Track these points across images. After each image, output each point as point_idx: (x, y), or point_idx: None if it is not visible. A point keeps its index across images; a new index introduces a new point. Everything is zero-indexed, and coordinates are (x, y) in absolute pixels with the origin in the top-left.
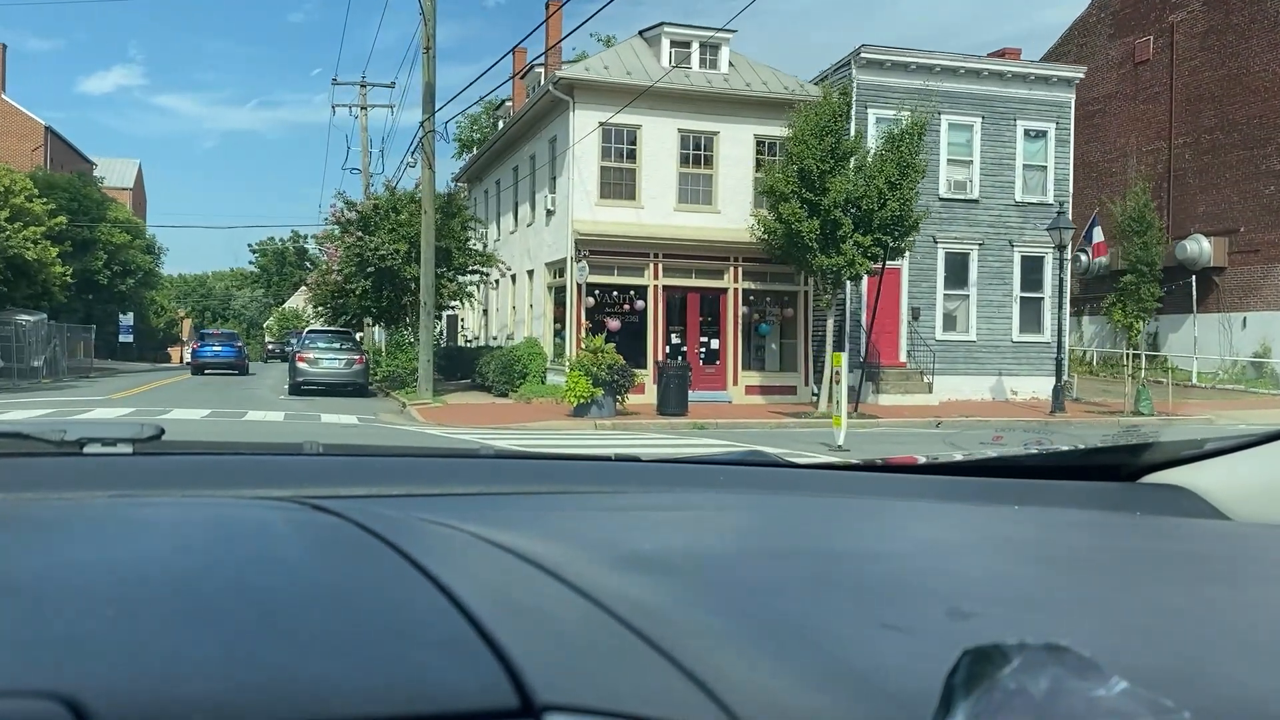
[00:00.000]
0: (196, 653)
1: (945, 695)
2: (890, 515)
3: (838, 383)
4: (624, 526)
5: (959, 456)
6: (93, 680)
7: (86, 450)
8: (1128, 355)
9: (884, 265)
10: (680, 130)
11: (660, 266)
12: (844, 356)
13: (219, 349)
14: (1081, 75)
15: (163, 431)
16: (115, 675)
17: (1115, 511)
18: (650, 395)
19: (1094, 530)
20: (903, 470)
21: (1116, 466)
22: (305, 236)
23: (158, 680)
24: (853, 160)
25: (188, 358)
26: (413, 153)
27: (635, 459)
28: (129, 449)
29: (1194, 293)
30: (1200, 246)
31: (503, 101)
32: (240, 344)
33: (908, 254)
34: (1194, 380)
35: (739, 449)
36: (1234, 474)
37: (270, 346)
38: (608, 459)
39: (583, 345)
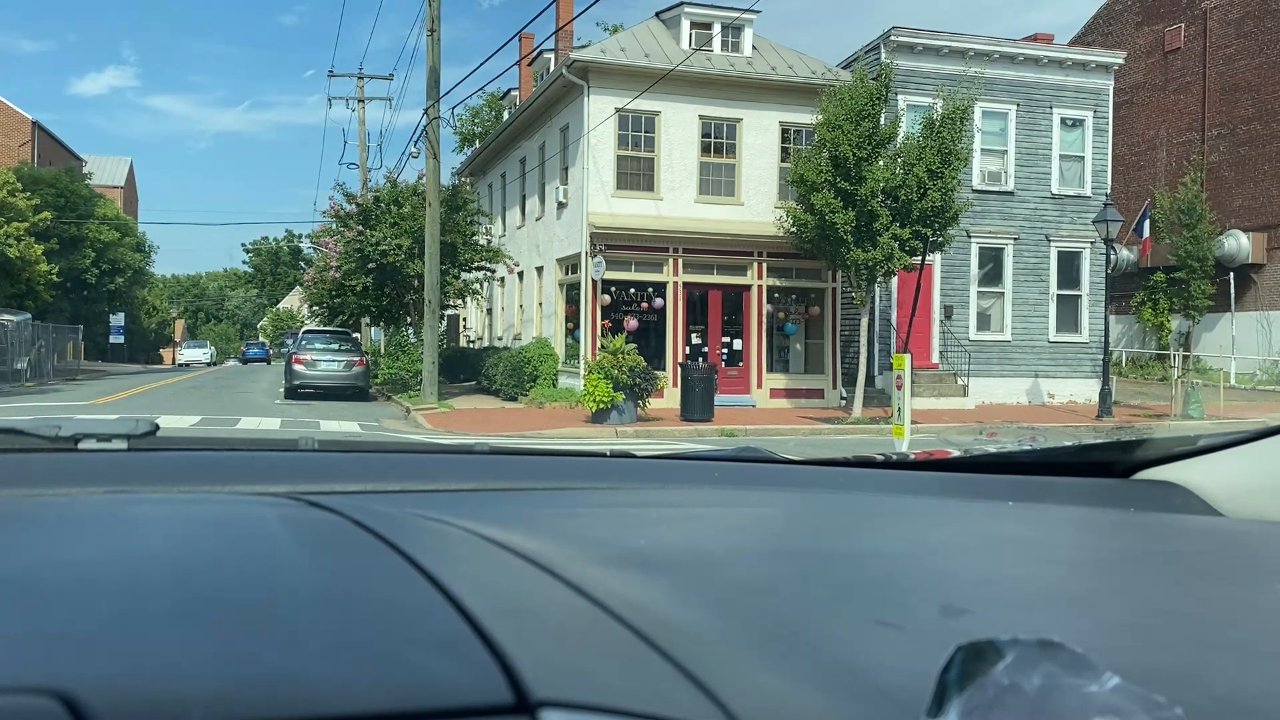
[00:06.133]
0: (193, 649)
1: (939, 691)
2: (884, 511)
3: (899, 388)
4: (619, 523)
5: (955, 453)
6: (89, 676)
7: (81, 446)
8: (1171, 355)
9: (923, 260)
10: (701, 117)
11: (680, 262)
12: (907, 359)
13: (256, 350)
14: (1120, 61)
15: (157, 427)
16: (111, 671)
17: (1109, 508)
18: (671, 399)
19: (1088, 526)
20: (897, 467)
21: (1110, 463)
22: (300, 236)
23: (154, 677)
24: (890, 147)
25: (180, 359)
26: (415, 142)
27: (631, 455)
28: (124, 445)
29: (1232, 290)
30: (1238, 243)
31: (508, 91)
32: (268, 347)
33: (939, 249)
34: (1231, 381)
35: (734, 445)
36: (1227, 470)
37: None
38: (603, 455)
39: (601, 346)
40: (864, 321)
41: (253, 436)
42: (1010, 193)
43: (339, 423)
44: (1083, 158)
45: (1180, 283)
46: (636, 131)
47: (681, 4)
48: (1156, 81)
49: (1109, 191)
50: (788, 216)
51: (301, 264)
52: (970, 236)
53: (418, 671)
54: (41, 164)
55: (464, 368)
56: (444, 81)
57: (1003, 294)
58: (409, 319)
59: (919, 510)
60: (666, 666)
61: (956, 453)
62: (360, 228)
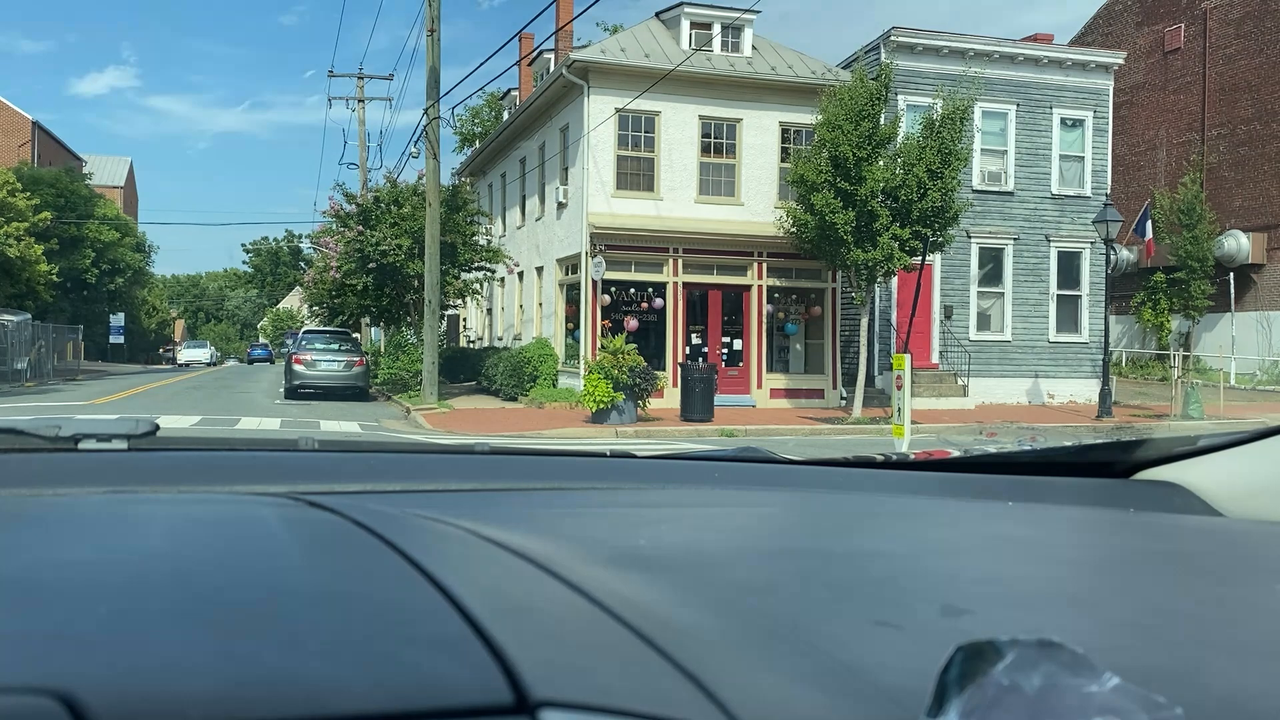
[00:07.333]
0: (192, 649)
1: (939, 691)
2: (884, 511)
3: (899, 388)
4: (619, 523)
5: (955, 453)
6: (88, 676)
7: (81, 446)
8: (1171, 356)
9: (923, 260)
10: (701, 117)
11: (680, 262)
12: (906, 359)
13: (260, 351)
14: (1120, 61)
15: (157, 428)
16: (111, 671)
17: (1109, 508)
18: (671, 399)
19: (1088, 526)
20: (897, 467)
21: (1110, 463)
22: (300, 236)
23: (154, 677)
24: (890, 147)
25: (180, 359)
26: (415, 142)
27: (631, 455)
28: (124, 445)
29: (1232, 290)
30: (1238, 243)
31: (508, 91)
32: (270, 348)
33: (939, 249)
34: (1231, 381)
35: (734, 445)
36: (1227, 471)
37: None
38: (603, 455)
39: (601, 346)
40: (864, 321)
41: (253, 436)
42: (1010, 193)
43: (339, 423)
44: (1083, 158)
45: (1180, 283)
46: (636, 131)
47: (681, 4)
48: (1156, 81)
49: (1109, 191)
50: (788, 217)
51: (301, 264)
52: (970, 236)
53: (417, 671)
54: (41, 164)
55: (464, 368)
56: (444, 81)
57: (1003, 294)
58: (409, 319)
59: (919, 510)
60: (666, 666)
61: (956, 453)
62: (360, 228)
